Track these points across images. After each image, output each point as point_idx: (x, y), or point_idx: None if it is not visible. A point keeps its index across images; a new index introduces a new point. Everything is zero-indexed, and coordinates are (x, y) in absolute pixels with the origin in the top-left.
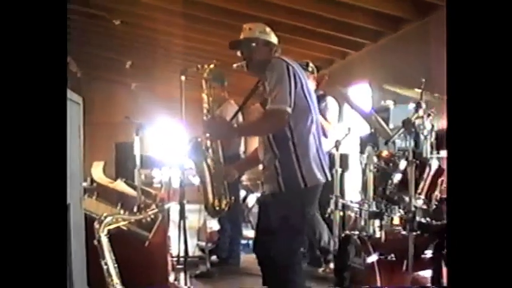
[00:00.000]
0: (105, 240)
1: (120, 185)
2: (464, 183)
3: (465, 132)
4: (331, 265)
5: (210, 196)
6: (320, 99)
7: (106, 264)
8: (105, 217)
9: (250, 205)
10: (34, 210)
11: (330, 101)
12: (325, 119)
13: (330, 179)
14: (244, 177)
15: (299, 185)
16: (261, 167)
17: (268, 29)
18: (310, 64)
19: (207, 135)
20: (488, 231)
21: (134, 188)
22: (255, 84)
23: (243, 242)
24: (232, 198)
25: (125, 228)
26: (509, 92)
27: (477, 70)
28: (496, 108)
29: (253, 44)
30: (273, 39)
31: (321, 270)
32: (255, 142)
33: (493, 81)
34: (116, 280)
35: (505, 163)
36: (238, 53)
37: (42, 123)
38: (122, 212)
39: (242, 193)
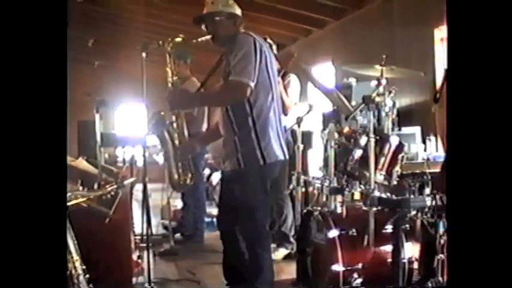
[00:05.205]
0: None
1: (82, 163)
2: (464, 180)
3: (465, 130)
4: (281, 250)
5: (174, 170)
6: (283, 76)
7: None
8: None
9: (214, 183)
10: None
11: (292, 79)
12: (286, 97)
13: (287, 157)
14: (208, 156)
15: (258, 161)
16: (221, 141)
17: (231, 1)
18: (268, 40)
19: (170, 107)
20: (488, 230)
21: (96, 166)
22: (217, 61)
23: (207, 219)
24: (195, 172)
25: (85, 205)
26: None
27: (478, 68)
28: (496, 107)
29: (217, 18)
30: (237, 11)
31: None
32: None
33: (493, 79)
34: (75, 257)
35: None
36: (203, 28)
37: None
38: (81, 189)
39: (206, 171)
